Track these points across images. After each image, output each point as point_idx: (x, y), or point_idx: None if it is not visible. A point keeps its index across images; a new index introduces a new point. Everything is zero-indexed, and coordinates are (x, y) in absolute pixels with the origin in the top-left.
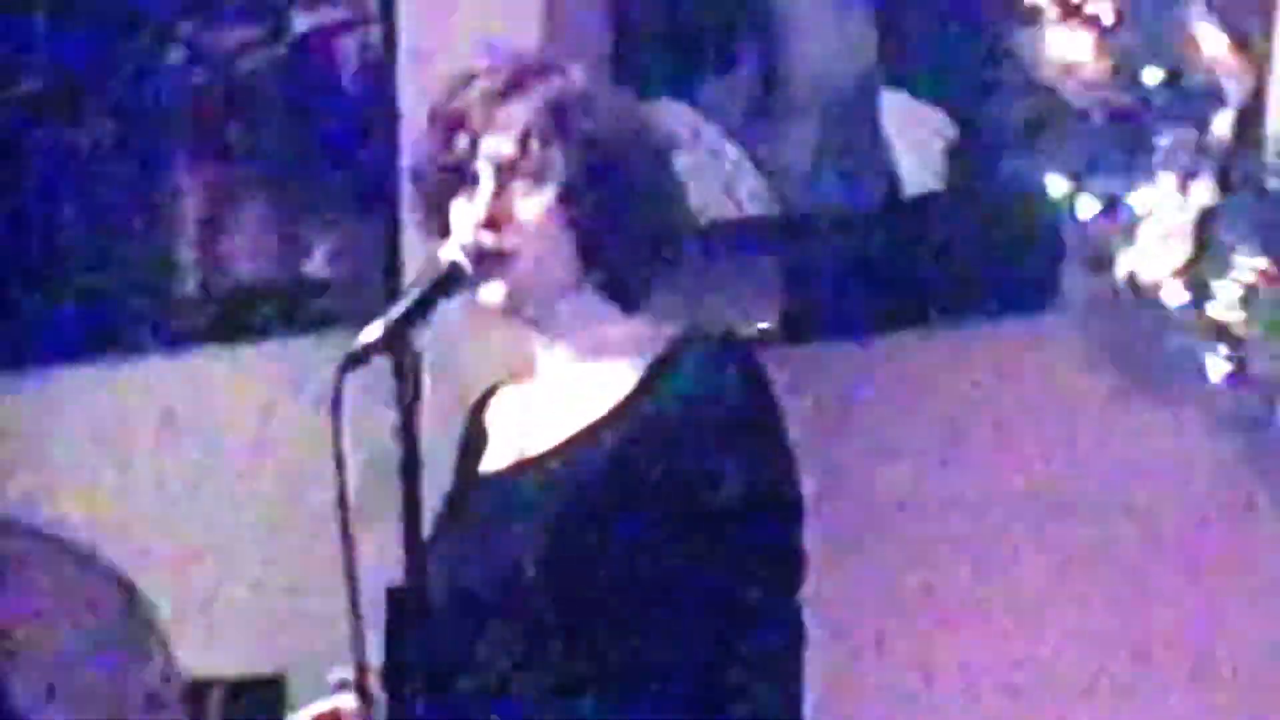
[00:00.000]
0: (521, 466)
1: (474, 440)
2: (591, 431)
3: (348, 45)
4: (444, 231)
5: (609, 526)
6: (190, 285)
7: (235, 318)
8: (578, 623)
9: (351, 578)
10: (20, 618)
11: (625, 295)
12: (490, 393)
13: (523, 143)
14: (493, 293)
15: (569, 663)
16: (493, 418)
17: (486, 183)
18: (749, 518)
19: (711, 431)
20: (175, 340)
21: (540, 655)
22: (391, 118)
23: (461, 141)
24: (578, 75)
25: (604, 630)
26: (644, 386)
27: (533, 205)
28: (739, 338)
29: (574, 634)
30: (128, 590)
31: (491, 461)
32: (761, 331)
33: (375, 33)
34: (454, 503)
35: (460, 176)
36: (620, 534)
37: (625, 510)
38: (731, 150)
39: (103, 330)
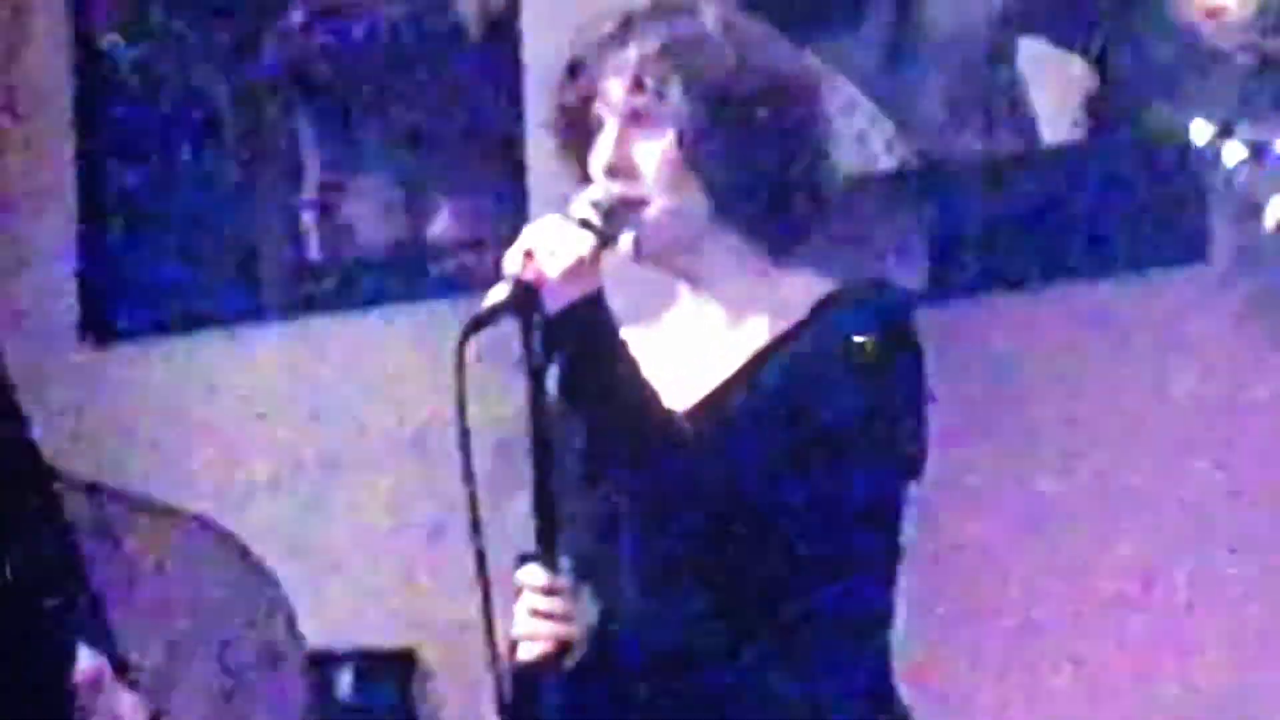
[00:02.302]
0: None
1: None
2: (741, 380)
3: (470, 2)
4: (585, 180)
5: (768, 485)
6: (313, 251)
7: (359, 283)
8: (736, 579)
9: (479, 547)
10: (129, 585)
11: (772, 243)
12: None
13: (637, 85)
14: (624, 244)
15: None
16: None
17: (609, 129)
18: (871, 468)
19: (856, 382)
20: (298, 307)
21: (708, 602)
22: (516, 75)
23: (582, 86)
24: (707, 14)
25: (766, 584)
26: (796, 335)
27: (654, 150)
28: (895, 292)
29: (737, 591)
30: (241, 552)
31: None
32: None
33: None
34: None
35: (590, 123)
36: (780, 491)
37: (783, 467)
38: (865, 102)
39: (225, 297)
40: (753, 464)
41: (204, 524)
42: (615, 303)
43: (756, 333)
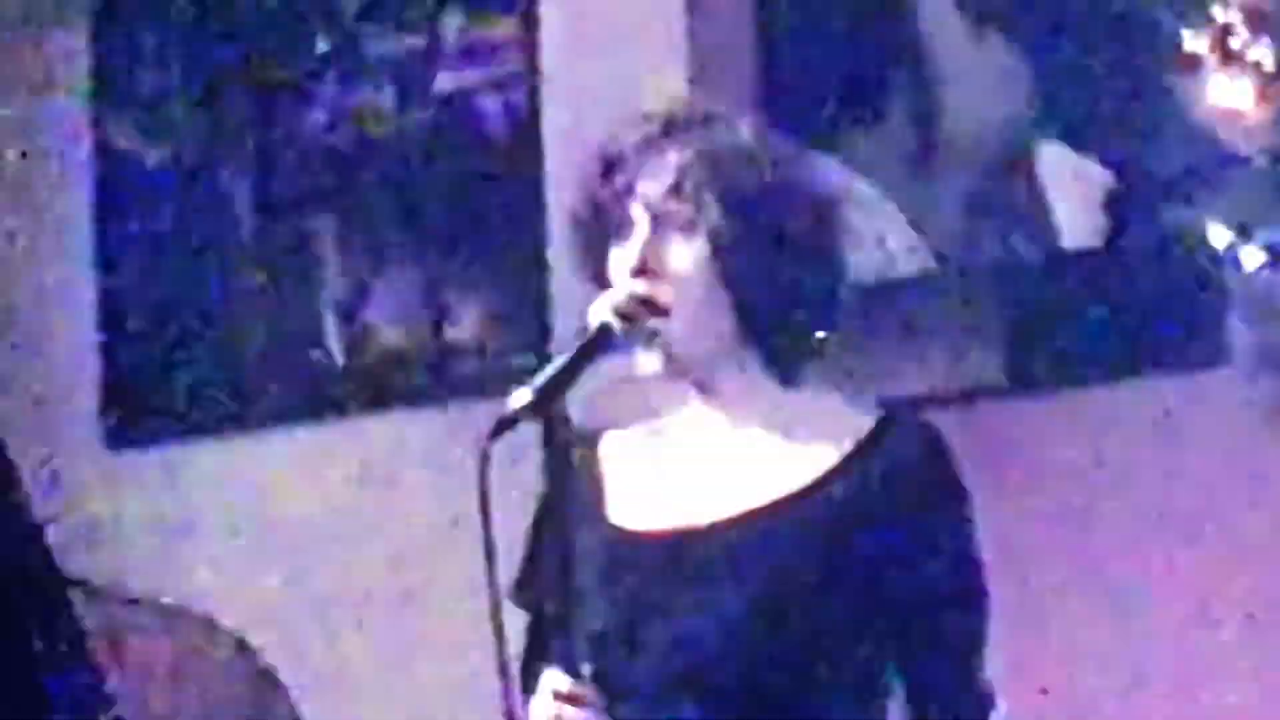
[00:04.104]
0: (693, 534)
1: (584, 483)
2: (789, 506)
3: (492, 106)
4: (600, 283)
5: (808, 608)
6: (335, 353)
7: (381, 385)
8: (763, 701)
9: (501, 649)
10: (138, 689)
11: (786, 359)
12: (600, 433)
13: (676, 190)
14: (650, 363)
15: None
16: (612, 464)
17: (641, 228)
18: (948, 608)
19: (922, 518)
20: (322, 409)
21: None
22: (538, 178)
23: (618, 185)
24: (742, 127)
25: (787, 707)
26: (847, 467)
27: (685, 255)
28: (934, 424)
29: (757, 712)
30: (252, 659)
31: (631, 516)
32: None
33: (520, 92)
34: (596, 558)
35: (617, 223)
36: (817, 616)
37: (824, 593)
38: (885, 206)
39: (248, 401)
40: (804, 587)
41: (216, 628)
42: (613, 402)
43: (802, 454)
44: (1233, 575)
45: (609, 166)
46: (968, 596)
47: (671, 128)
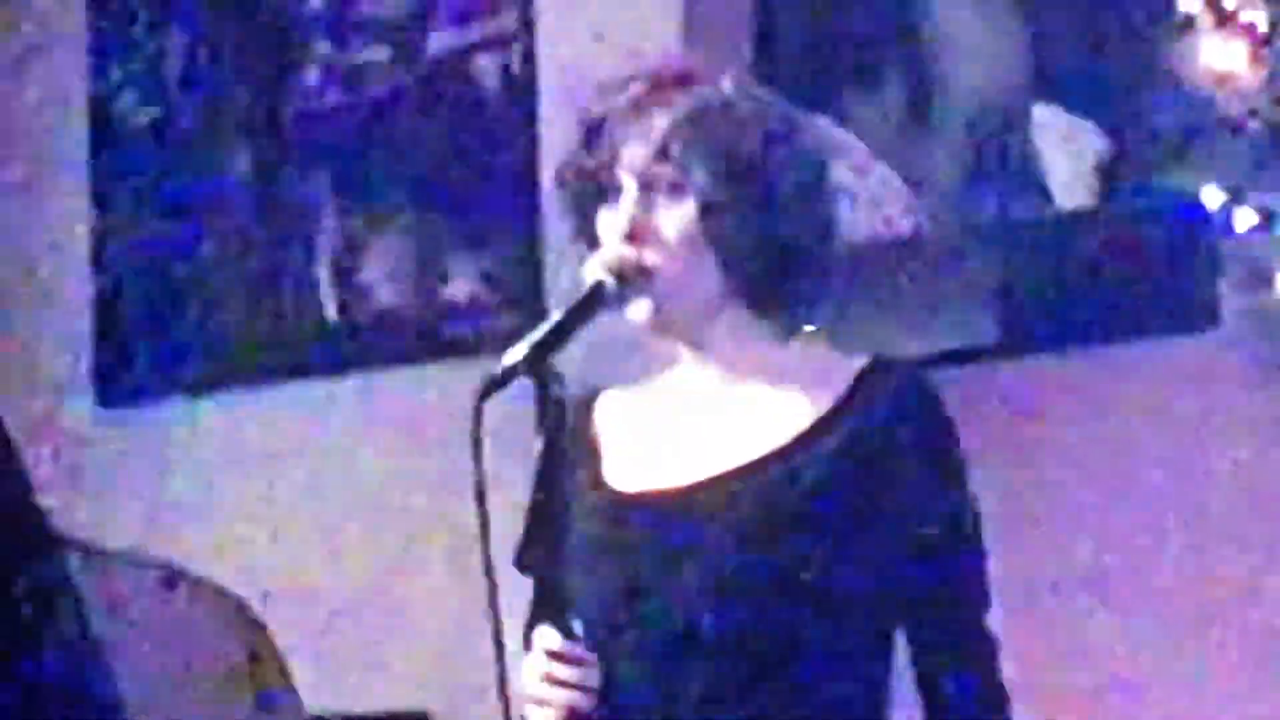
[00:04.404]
0: (687, 492)
1: (579, 447)
2: (780, 459)
3: (487, 65)
4: (591, 243)
5: (804, 563)
6: (330, 312)
7: (376, 344)
8: (763, 658)
9: (495, 611)
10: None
11: (779, 314)
12: (593, 396)
13: (661, 154)
14: (639, 310)
15: (752, 698)
16: (606, 426)
17: (628, 194)
18: (946, 552)
19: (914, 466)
20: (315, 368)
21: (720, 690)
22: (532, 138)
23: (604, 150)
24: (726, 84)
25: (788, 664)
26: (836, 417)
27: (674, 219)
28: (924, 372)
29: (757, 670)
30: (247, 618)
31: (627, 477)
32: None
33: (515, 51)
34: (593, 520)
35: (604, 186)
36: (814, 570)
37: (820, 546)
38: (881, 166)
39: (242, 358)
40: (801, 540)
41: (212, 588)
42: (605, 364)
43: (788, 409)
44: (1223, 536)
45: (593, 132)
46: (966, 542)
47: (655, 89)
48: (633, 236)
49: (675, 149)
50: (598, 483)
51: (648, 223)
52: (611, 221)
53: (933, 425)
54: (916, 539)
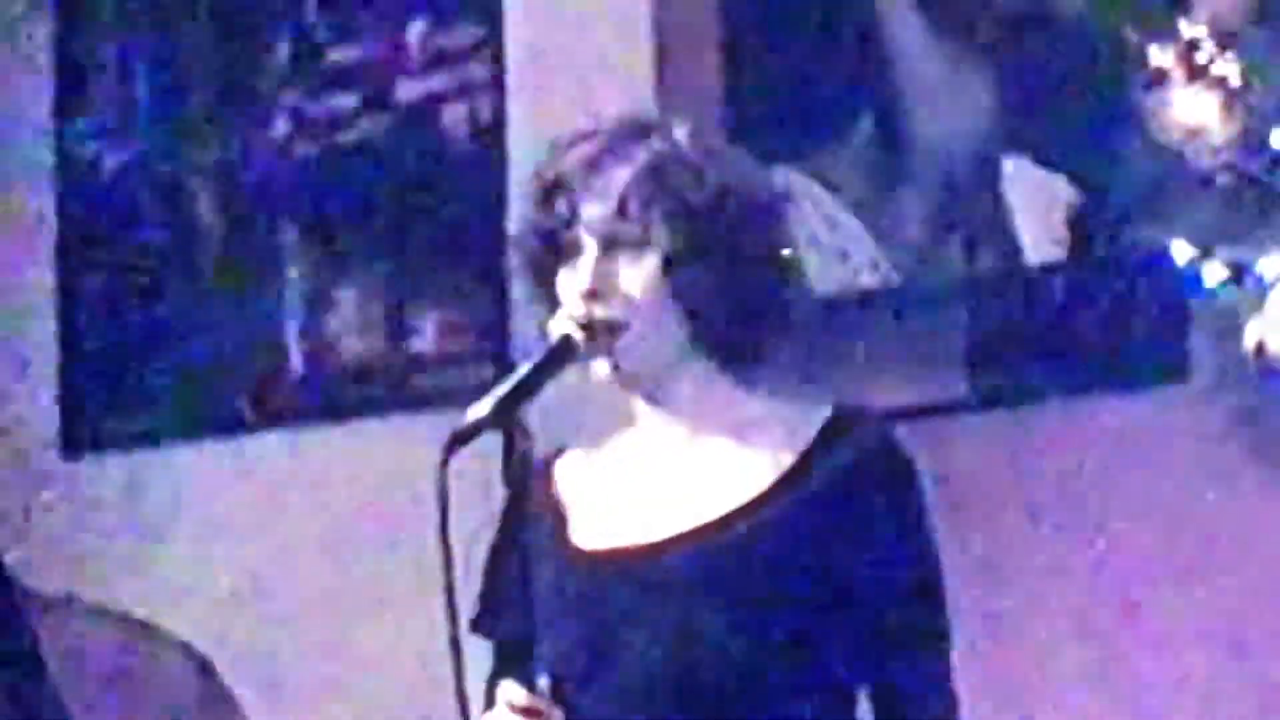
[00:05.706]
0: (652, 550)
1: (543, 504)
2: (744, 515)
3: (456, 114)
4: (552, 302)
5: (770, 616)
6: (296, 363)
7: (341, 396)
8: (729, 713)
9: (458, 664)
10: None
11: (740, 367)
12: (555, 456)
13: (621, 211)
14: (604, 365)
15: None
16: (570, 485)
17: (589, 252)
18: (908, 604)
19: (878, 519)
20: (280, 419)
21: None
22: (500, 189)
23: (562, 208)
24: (681, 135)
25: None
26: (801, 471)
27: (636, 274)
28: (886, 425)
29: None
30: (204, 670)
31: (592, 535)
32: None
33: (484, 101)
34: (558, 580)
35: (564, 245)
36: (779, 623)
37: (784, 598)
38: (848, 219)
39: (207, 409)
40: (767, 596)
41: (172, 641)
42: (562, 422)
43: (752, 464)
44: (1195, 589)
45: (549, 191)
46: (928, 592)
47: (610, 144)
48: (594, 295)
49: (634, 206)
50: (563, 540)
51: (610, 279)
52: (572, 280)
53: (896, 477)
54: (880, 593)
